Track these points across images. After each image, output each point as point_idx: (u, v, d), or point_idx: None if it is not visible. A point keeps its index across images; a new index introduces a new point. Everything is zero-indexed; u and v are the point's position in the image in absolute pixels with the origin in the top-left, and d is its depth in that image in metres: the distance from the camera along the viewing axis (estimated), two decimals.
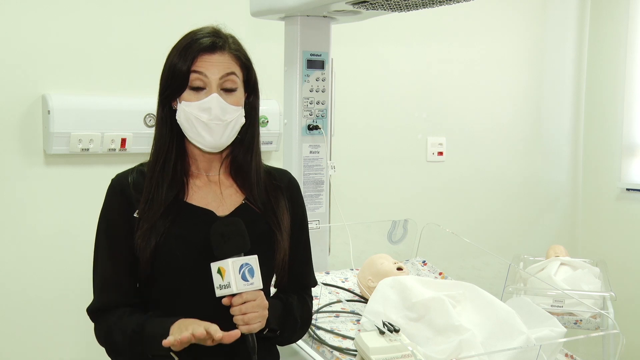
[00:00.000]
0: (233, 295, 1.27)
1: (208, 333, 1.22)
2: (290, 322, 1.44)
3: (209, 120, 1.34)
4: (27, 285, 2.37)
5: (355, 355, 1.60)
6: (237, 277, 1.26)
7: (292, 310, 1.44)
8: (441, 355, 1.53)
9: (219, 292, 1.28)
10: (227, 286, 1.26)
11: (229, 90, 1.37)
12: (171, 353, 1.28)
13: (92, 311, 1.40)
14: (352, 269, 2.20)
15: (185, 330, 1.22)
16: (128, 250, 1.36)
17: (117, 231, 1.38)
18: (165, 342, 1.22)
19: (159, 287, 1.37)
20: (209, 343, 1.25)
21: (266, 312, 1.31)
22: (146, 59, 2.48)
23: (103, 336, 1.38)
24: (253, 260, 1.28)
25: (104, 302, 1.38)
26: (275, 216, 1.43)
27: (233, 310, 1.28)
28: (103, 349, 1.41)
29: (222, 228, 1.30)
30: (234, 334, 1.25)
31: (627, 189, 3.52)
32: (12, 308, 2.35)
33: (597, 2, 3.67)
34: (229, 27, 1.44)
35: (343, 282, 2.12)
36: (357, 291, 2.04)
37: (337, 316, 1.88)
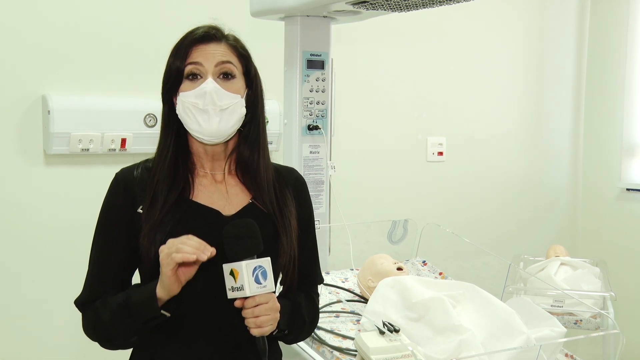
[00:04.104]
0: (245, 297, 1.26)
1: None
2: (298, 323, 1.43)
3: (204, 106, 1.33)
4: (27, 285, 2.37)
5: (355, 355, 1.60)
6: (250, 279, 1.24)
7: (300, 310, 1.44)
8: (441, 355, 1.53)
9: (231, 294, 1.26)
10: (240, 289, 1.25)
11: (226, 78, 1.36)
12: (162, 312, 1.28)
13: (80, 303, 1.39)
14: (352, 269, 2.20)
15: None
16: (125, 246, 1.36)
17: (115, 227, 1.37)
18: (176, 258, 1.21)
19: None
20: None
21: (278, 315, 1.30)
22: (146, 58, 2.48)
23: (91, 324, 1.36)
24: (266, 262, 1.27)
25: (91, 295, 1.38)
26: (282, 216, 1.41)
27: (245, 313, 1.26)
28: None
29: (236, 230, 1.28)
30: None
31: (627, 189, 3.52)
32: (12, 308, 2.35)
33: (597, 2, 3.67)
34: (229, 25, 1.43)
35: (343, 282, 2.12)
36: (357, 291, 2.04)
37: (337, 316, 1.88)
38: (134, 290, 1.33)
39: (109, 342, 1.37)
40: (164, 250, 1.24)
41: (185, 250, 1.21)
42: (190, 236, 1.24)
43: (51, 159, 2.38)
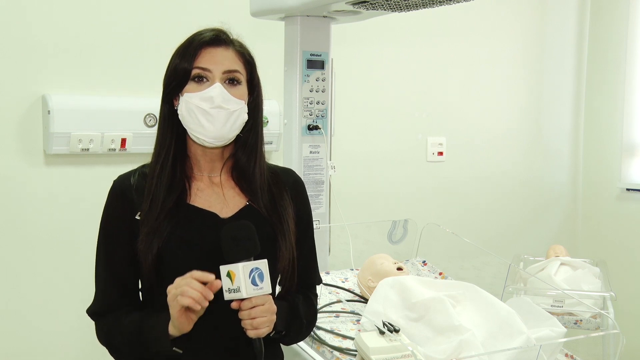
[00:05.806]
0: (242, 299, 1.26)
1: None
2: (296, 324, 1.44)
3: (210, 108, 1.33)
4: (27, 285, 2.37)
5: (355, 355, 1.60)
6: (247, 281, 1.25)
7: (298, 312, 1.44)
8: (441, 355, 1.53)
9: (227, 296, 1.27)
10: (237, 290, 1.25)
11: (232, 83, 1.37)
12: (174, 349, 1.29)
13: (92, 313, 1.41)
14: (352, 269, 2.20)
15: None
16: (128, 253, 1.35)
17: (117, 234, 1.37)
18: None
19: (163, 292, 1.35)
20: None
21: (274, 317, 1.30)
22: (146, 58, 2.48)
23: (104, 337, 1.39)
24: (263, 264, 1.27)
25: (103, 305, 1.39)
26: (279, 219, 1.41)
27: (242, 315, 1.27)
28: (105, 351, 1.41)
29: (234, 231, 1.29)
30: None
31: (627, 189, 3.52)
32: (12, 308, 2.35)
33: (597, 2, 3.67)
34: (233, 27, 1.44)
35: (343, 282, 2.12)
36: (357, 291, 2.04)
37: (337, 316, 1.88)
38: (147, 322, 1.32)
39: (120, 357, 1.39)
40: (171, 291, 1.24)
41: (190, 295, 1.21)
42: (193, 274, 1.24)
43: (51, 159, 2.38)
